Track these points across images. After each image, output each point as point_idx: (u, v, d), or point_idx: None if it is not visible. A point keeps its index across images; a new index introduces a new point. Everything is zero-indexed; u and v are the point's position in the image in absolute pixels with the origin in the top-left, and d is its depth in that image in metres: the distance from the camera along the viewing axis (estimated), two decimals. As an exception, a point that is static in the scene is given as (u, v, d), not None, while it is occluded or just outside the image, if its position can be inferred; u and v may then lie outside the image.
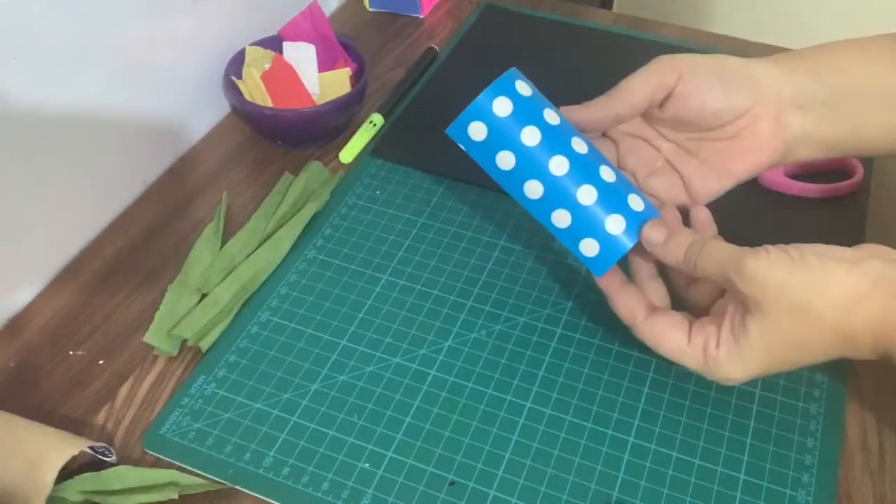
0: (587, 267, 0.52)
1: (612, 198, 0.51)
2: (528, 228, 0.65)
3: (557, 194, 0.51)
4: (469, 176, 0.69)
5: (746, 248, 0.47)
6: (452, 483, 0.50)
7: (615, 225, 0.51)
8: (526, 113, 0.50)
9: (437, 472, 0.50)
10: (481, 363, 0.56)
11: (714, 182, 0.54)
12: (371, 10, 0.89)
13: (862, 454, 0.52)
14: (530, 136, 0.50)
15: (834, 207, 0.66)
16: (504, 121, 0.50)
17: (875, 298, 0.44)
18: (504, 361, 0.56)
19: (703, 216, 0.53)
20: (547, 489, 0.50)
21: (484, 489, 0.50)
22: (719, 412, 0.53)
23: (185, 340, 0.57)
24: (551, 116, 0.51)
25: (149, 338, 0.57)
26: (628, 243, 0.51)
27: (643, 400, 0.54)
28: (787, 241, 0.61)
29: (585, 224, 0.51)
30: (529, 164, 0.50)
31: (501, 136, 0.50)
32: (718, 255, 0.48)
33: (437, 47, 0.82)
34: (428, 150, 0.71)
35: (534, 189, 0.51)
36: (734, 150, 0.53)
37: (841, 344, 0.45)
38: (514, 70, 0.52)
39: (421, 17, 0.88)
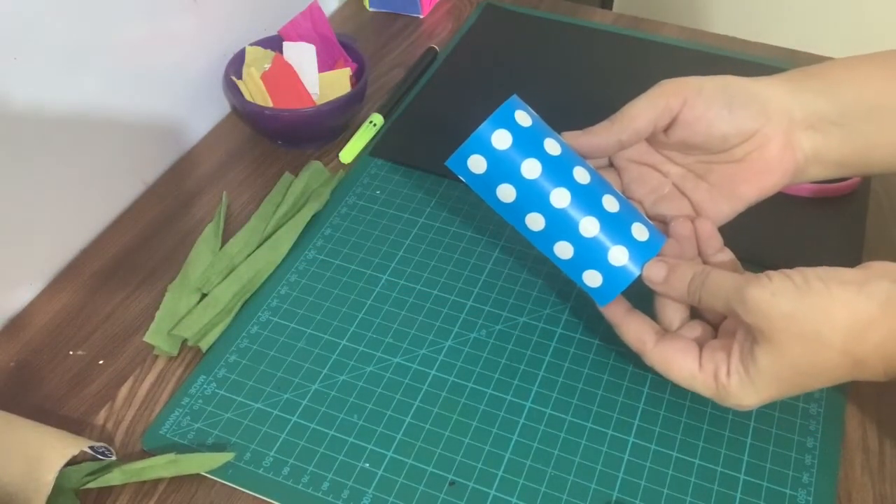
0: (591, 297, 0.52)
1: (616, 228, 0.50)
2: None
3: (559, 227, 0.50)
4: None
5: (749, 276, 0.46)
6: (452, 483, 0.50)
7: (618, 256, 0.50)
8: (526, 145, 0.49)
9: (437, 471, 0.50)
10: (481, 363, 0.56)
11: (724, 206, 0.53)
12: (371, 9, 0.89)
13: (862, 454, 0.52)
14: (531, 169, 0.49)
15: (834, 207, 0.66)
16: (504, 154, 0.49)
17: (883, 321, 0.43)
18: (504, 361, 0.56)
19: (706, 229, 0.53)
20: (547, 489, 0.50)
21: (484, 489, 0.50)
22: (719, 412, 0.53)
23: (185, 340, 0.57)
24: (552, 146, 0.50)
25: (149, 337, 0.57)
26: (632, 274, 0.50)
27: (643, 400, 0.54)
28: (786, 241, 0.61)
29: (588, 256, 0.50)
30: (530, 197, 0.50)
31: (501, 169, 0.49)
32: (720, 287, 0.47)
33: (437, 47, 0.82)
34: (428, 150, 0.71)
35: (535, 222, 0.50)
36: (744, 173, 0.52)
37: (852, 368, 0.44)
38: (514, 98, 0.50)
39: (421, 17, 0.88)
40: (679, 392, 0.54)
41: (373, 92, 0.77)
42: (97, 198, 0.65)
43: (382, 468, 0.50)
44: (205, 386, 0.54)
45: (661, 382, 0.55)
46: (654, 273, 0.50)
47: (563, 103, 0.77)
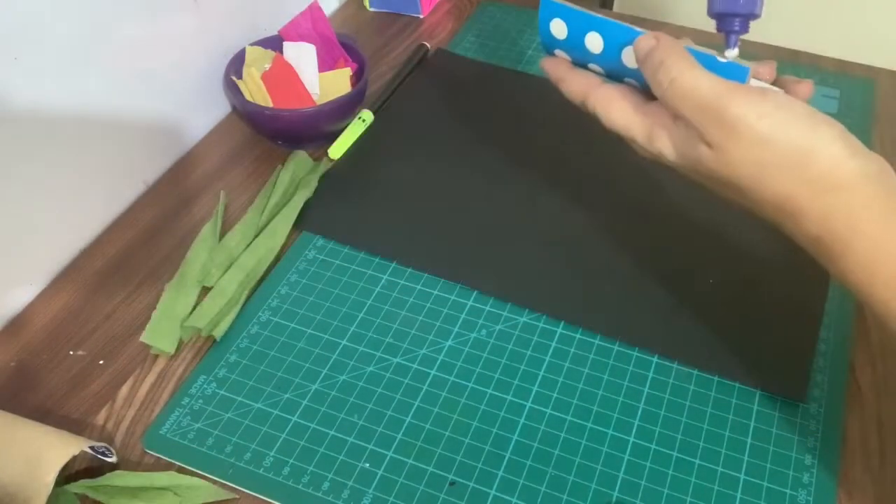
0: None
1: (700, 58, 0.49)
2: (529, 228, 0.65)
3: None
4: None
5: (734, 89, 0.44)
6: (453, 483, 0.50)
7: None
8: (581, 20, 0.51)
9: (438, 472, 0.50)
10: (481, 363, 0.56)
11: None
12: (371, 9, 0.89)
13: (862, 454, 0.52)
14: (593, 43, 0.51)
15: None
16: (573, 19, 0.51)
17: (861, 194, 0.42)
18: (504, 361, 0.56)
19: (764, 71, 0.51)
20: (547, 489, 0.50)
21: (484, 489, 0.50)
22: (719, 412, 0.53)
23: (182, 340, 0.57)
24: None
25: (145, 337, 0.56)
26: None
27: (643, 400, 0.54)
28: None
29: None
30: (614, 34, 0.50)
31: (579, 28, 0.51)
32: (696, 97, 0.45)
33: (427, 45, 0.82)
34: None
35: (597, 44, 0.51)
36: None
37: (787, 203, 0.43)
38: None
39: (421, 16, 0.88)
40: (679, 392, 0.54)
41: (373, 92, 0.76)
42: (97, 198, 0.65)
43: (383, 468, 0.50)
44: (205, 386, 0.54)
45: (661, 382, 0.55)
46: (643, 42, 0.48)
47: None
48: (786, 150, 0.43)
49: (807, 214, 0.43)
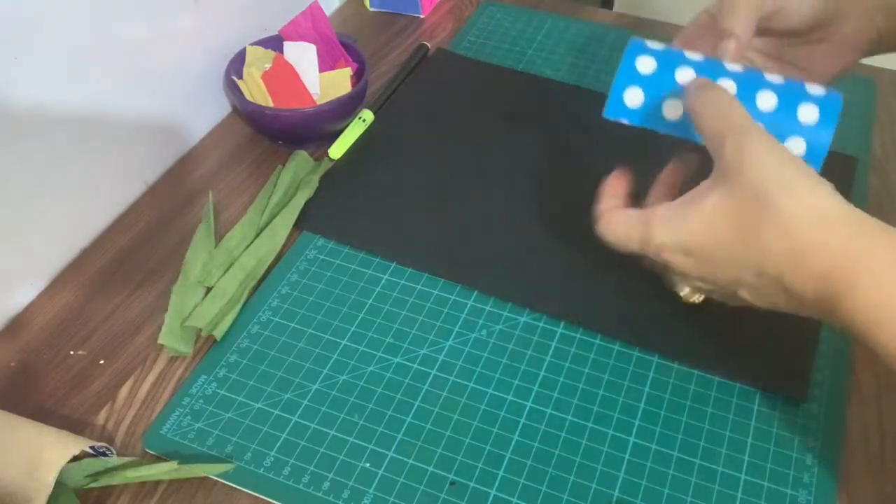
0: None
1: (792, 92, 0.48)
2: (529, 228, 0.65)
3: None
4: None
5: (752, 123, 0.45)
6: (453, 483, 0.50)
7: (808, 115, 0.48)
8: (670, 58, 0.50)
9: (438, 471, 0.50)
10: (482, 363, 0.56)
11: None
12: (371, 9, 0.89)
13: (863, 454, 0.52)
14: (685, 75, 0.49)
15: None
16: (655, 75, 0.49)
17: (841, 228, 0.42)
18: (505, 361, 0.56)
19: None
20: (547, 489, 0.50)
21: (485, 489, 0.50)
22: (720, 412, 0.53)
23: (199, 331, 0.57)
24: (692, 54, 0.50)
25: (163, 339, 0.56)
26: (828, 133, 0.48)
27: (644, 400, 0.54)
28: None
29: (778, 127, 0.48)
30: None
31: (659, 88, 0.49)
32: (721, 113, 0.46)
33: (427, 45, 0.82)
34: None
35: None
36: (825, 52, 0.55)
37: (783, 262, 0.43)
38: (635, 39, 0.51)
39: (421, 16, 0.88)
40: (680, 392, 0.54)
41: (373, 92, 0.76)
42: (97, 198, 0.65)
43: (383, 468, 0.50)
44: (205, 386, 0.54)
45: (661, 382, 0.55)
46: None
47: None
48: (779, 179, 0.44)
49: (804, 260, 0.43)
